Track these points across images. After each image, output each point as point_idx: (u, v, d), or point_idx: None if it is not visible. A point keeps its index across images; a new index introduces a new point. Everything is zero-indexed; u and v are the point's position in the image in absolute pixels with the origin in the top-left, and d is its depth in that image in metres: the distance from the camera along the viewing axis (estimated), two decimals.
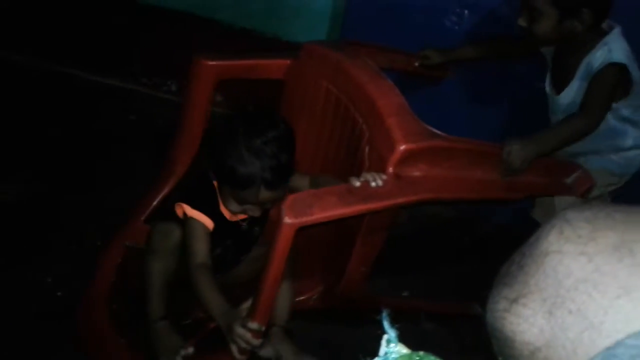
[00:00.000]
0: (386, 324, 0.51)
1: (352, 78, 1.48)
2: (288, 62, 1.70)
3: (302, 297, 1.57)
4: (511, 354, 0.44)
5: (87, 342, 1.50)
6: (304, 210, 1.17)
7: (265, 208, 1.42)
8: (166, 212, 1.59)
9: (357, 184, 1.25)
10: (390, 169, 1.30)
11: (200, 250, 1.40)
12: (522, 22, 1.47)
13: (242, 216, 1.47)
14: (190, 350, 1.35)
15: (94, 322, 1.49)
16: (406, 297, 1.79)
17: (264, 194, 1.33)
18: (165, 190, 1.76)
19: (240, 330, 1.24)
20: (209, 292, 1.33)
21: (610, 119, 1.52)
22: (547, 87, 1.64)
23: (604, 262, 0.40)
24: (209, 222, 1.42)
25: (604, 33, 1.49)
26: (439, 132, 1.35)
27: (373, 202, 1.23)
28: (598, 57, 1.46)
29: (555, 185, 1.48)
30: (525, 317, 0.42)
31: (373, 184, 1.25)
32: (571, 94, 1.54)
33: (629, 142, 1.58)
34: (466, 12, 1.95)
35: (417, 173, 1.32)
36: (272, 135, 1.34)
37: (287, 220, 1.15)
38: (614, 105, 1.50)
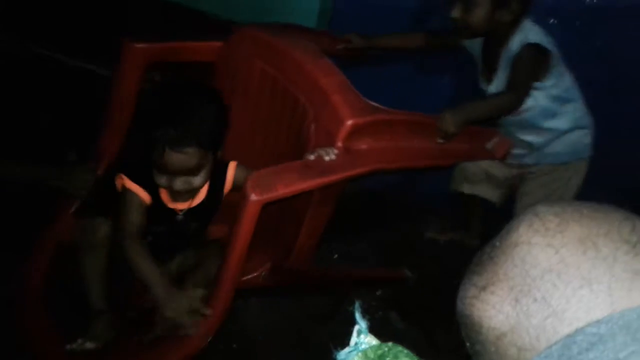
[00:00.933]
0: (358, 315, 0.54)
1: (291, 58, 1.52)
2: (219, 44, 1.70)
3: (251, 275, 1.60)
4: (478, 339, 0.46)
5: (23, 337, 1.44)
6: (267, 186, 1.21)
7: (184, 188, 1.36)
8: (93, 206, 1.56)
9: (312, 157, 1.30)
10: (340, 143, 1.36)
11: (134, 221, 1.39)
12: (455, 13, 1.57)
13: (181, 205, 1.46)
14: (78, 343, 1.35)
15: (29, 319, 1.43)
16: (346, 267, 1.87)
17: (169, 155, 1.28)
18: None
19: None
20: (143, 261, 1.33)
21: (543, 99, 1.64)
22: (480, 81, 1.75)
23: (569, 254, 0.42)
24: (145, 196, 1.41)
25: (513, 23, 1.60)
26: (380, 106, 1.43)
27: (329, 175, 1.29)
28: (516, 42, 1.59)
29: (479, 150, 1.62)
30: (492, 304, 0.44)
31: (327, 157, 1.31)
32: (499, 83, 1.65)
33: (566, 123, 1.71)
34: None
35: (364, 146, 1.39)
36: (187, 99, 1.34)
37: (253, 197, 1.18)
38: (542, 84, 1.61)
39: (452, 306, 0.51)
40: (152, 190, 1.42)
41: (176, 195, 1.42)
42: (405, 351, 0.54)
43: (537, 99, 1.62)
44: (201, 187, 1.41)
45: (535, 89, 1.60)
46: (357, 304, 0.55)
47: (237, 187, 1.46)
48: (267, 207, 1.33)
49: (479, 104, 1.59)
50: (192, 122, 1.29)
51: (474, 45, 1.73)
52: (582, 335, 0.40)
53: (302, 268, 1.56)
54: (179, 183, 1.34)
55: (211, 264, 1.47)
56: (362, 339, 0.55)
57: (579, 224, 0.44)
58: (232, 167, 1.49)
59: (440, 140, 1.51)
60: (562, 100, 1.68)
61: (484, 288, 0.46)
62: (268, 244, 1.67)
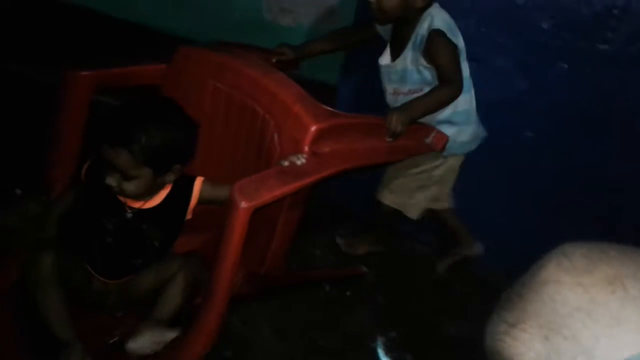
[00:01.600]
0: (381, 353, 0.61)
1: (246, 74, 1.59)
2: (163, 66, 1.73)
3: None
4: None
5: None
6: (253, 193, 1.27)
7: (114, 186, 1.38)
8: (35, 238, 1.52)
9: (286, 163, 1.38)
10: (306, 148, 1.45)
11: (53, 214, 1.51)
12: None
13: (130, 202, 1.46)
14: None
15: None
16: (313, 270, 1.96)
17: (106, 151, 1.35)
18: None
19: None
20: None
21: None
22: (384, 60, 1.85)
23: (598, 293, 0.44)
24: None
25: (422, 9, 1.73)
26: (336, 110, 1.54)
27: (304, 179, 1.37)
28: (424, 27, 1.72)
29: (421, 145, 1.77)
30: (523, 341, 0.46)
31: (299, 162, 1.39)
32: (405, 62, 1.78)
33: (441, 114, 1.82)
34: None
35: (327, 149, 1.49)
36: (138, 106, 1.39)
37: (244, 204, 1.24)
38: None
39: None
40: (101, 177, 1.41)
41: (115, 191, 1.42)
42: None
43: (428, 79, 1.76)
44: (133, 194, 1.42)
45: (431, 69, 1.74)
46: (379, 342, 0.60)
47: (203, 201, 1.51)
48: None
49: (422, 101, 1.71)
50: (135, 130, 1.34)
51: (386, 31, 1.86)
52: None
53: (276, 273, 1.62)
54: (110, 179, 1.38)
55: (176, 285, 1.48)
56: None
57: (607, 265, 0.46)
58: (198, 182, 1.51)
59: (389, 139, 1.64)
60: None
61: (514, 325, 0.47)
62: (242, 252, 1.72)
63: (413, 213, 1.98)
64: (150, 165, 1.38)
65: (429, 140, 1.80)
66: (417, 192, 1.96)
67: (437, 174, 1.94)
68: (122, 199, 1.46)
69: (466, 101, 1.82)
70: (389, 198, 1.98)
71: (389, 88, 1.89)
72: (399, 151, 1.70)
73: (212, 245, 1.60)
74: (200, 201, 1.52)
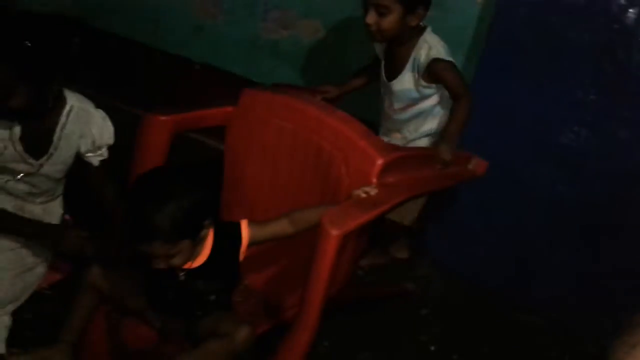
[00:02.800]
0: None
1: (310, 113, 1.76)
2: (230, 109, 1.89)
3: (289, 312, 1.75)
4: None
5: None
6: (341, 222, 1.43)
7: (165, 266, 1.41)
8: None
9: (362, 195, 1.55)
10: (374, 180, 1.62)
11: None
12: (370, 19, 1.86)
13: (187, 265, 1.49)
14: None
15: None
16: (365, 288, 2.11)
17: (140, 249, 1.38)
18: None
19: None
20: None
21: (433, 99, 2.01)
22: (382, 76, 2.08)
23: None
24: None
25: (422, 29, 1.96)
26: (395, 144, 1.71)
27: (380, 207, 1.53)
28: (422, 54, 1.93)
29: (466, 171, 1.94)
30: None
31: (372, 192, 1.56)
32: (403, 82, 2.00)
33: (431, 126, 2.06)
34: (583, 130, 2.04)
35: (391, 179, 1.65)
36: (144, 195, 1.38)
37: (334, 232, 1.40)
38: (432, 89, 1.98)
39: None
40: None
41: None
42: None
43: (427, 99, 2.00)
44: (183, 264, 1.45)
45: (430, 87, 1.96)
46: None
47: (254, 242, 1.54)
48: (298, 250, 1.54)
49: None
50: (154, 221, 1.33)
51: (379, 49, 2.07)
52: None
53: (344, 294, 1.77)
54: (157, 263, 1.41)
55: (221, 346, 1.42)
56: None
57: None
58: (244, 225, 1.53)
59: (441, 167, 1.82)
60: (432, 105, 2.03)
61: (634, 346, 0.51)
62: (297, 282, 1.87)
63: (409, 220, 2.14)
64: (185, 238, 1.40)
65: (471, 166, 1.97)
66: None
67: None
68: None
69: (447, 118, 2.02)
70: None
71: (386, 101, 2.11)
72: (449, 178, 1.87)
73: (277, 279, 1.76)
74: (252, 243, 1.54)
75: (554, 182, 2.10)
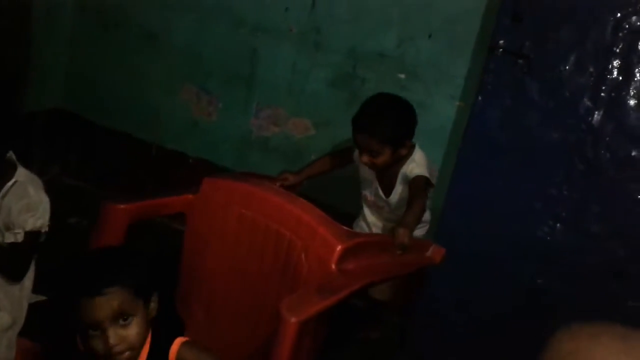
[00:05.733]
0: None
1: (270, 201, 1.78)
2: (190, 197, 1.90)
3: None
4: None
5: None
6: (299, 309, 1.42)
7: (118, 341, 1.24)
8: None
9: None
10: (333, 266, 1.63)
11: None
12: (365, 160, 2.05)
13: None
14: None
15: None
16: None
17: (85, 304, 1.22)
18: None
19: None
20: None
21: None
22: (379, 193, 2.21)
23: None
24: None
25: (411, 147, 2.11)
26: (354, 231, 1.74)
27: (339, 293, 1.53)
28: (410, 169, 2.09)
29: (424, 258, 1.97)
30: None
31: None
32: (397, 195, 2.16)
33: (427, 217, 2.22)
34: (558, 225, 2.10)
35: (350, 266, 1.67)
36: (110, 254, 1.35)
37: (293, 319, 1.38)
38: None
39: None
40: None
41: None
42: None
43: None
44: (138, 342, 1.28)
45: None
46: None
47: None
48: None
49: (412, 215, 1.95)
50: (110, 268, 1.26)
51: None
52: None
53: None
54: (112, 335, 1.22)
55: None
56: None
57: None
58: (176, 344, 1.34)
59: (399, 252, 1.84)
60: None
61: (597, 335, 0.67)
62: None
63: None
64: (141, 295, 1.27)
65: (429, 253, 2.00)
66: None
67: None
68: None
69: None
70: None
71: (386, 208, 2.21)
72: (407, 265, 1.89)
73: None
74: None
75: (533, 275, 2.14)
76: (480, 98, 2.13)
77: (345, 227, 1.72)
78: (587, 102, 2.01)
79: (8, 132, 1.70)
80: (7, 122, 1.71)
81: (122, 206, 1.78)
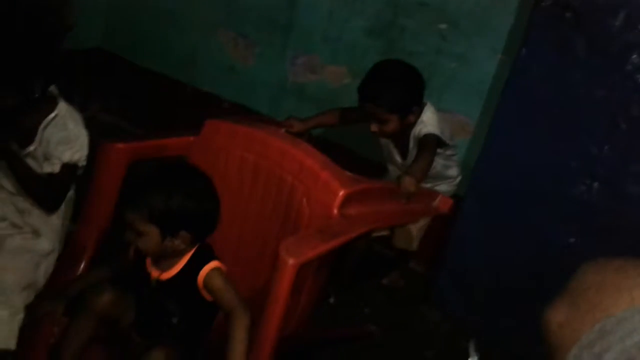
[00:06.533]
0: (472, 350, 0.77)
1: (273, 144, 1.73)
2: (191, 139, 1.85)
3: None
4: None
5: None
6: (298, 251, 1.38)
7: (132, 241, 1.49)
8: None
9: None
10: (335, 211, 1.58)
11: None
12: (373, 128, 2.02)
13: (154, 272, 1.52)
14: None
15: None
16: (326, 329, 2.03)
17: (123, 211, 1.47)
18: (78, 280, 1.73)
19: None
20: None
21: (441, 160, 2.14)
22: (394, 156, 2.19)
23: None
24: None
25: (420, 111, 2.07)
26: (358, 176, 1.68)
27: (340, 238, 1.49)
28: (419, 130, 2.05)
29: (430, 208, 1.92)
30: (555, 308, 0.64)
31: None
32: (412, 157, 2.09)
33: (453, 172, 2.22)
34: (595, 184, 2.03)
35: (352, 211, 1.62)
36: (157, 172, 1.51)
37: (291, 261, 1.34)
38: (441, 150, 2.10)
39: None
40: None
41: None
42: None
43: (439, 160, 2.11)
44: (146, 250, 1.49)
45: (439, 154, 2.09)
46: (472, 341, 0.75)
47: (206, 288, 1.49)
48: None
49: (419, 165, 1.93)
50: (144, 193, 1.44)
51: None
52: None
53: (301, 334, 1.70)
54: (128, 234, 1.47)
55: None
56: None
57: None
58: (208, 267, 1.50)
59: (404, 201, 1.79)
60: (452, 159, 2.21)
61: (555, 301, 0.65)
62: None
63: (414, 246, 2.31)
64: (156, 224, 1.43)
65: (435, 203, 1.95)
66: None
67: None
68: (148, 268, 1.54)
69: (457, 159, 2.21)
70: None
71: (394, 168, 2.22)
72: (412, 213, 1.85)
73: None
74: (204, 287, 1.49)
75: (565, 235, 2.07)
76: (524, 52, 2.03)
77: (348, 173, 1.67)
78: (635, 60, 1.90)
79: (51, 67, 1.78)
80: (51, 58, 1.80)
81: (120, 145, 1.73)
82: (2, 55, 1.65)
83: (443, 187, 2.23)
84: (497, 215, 2.16)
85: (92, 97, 3.21)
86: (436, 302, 2.36)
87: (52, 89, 1.80)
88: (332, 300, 2.24)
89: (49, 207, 1.80)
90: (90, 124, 1.86)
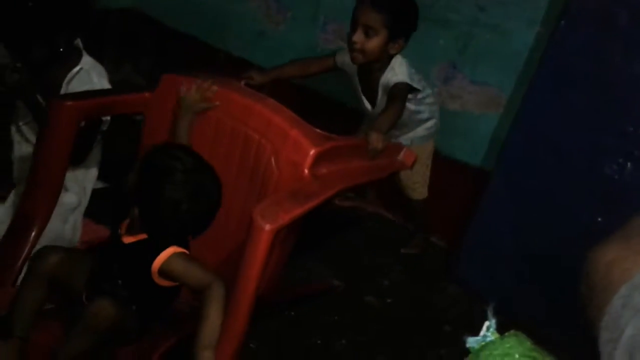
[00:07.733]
0: (490, 315, 0.76)
1: (237, 100, 1.64)
2: (148, 95, 1.74)
3: None
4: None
5: None
6: (274, 216, 1.33)
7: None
8: None
9: None
10: (306, 171, 1.53)
11: None
12: (357, 37, 1.91)
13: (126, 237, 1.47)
14: None
15: None
16: (291, 287, 2.01)
17: None
18: (26, 249, 1.63)
19: None
20: None
21: (412, 105, 2.11)
22: (363, 103, 2.16)
23: None
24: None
25: (390, 56, 2.02)
26: (327, 134, 1.63)
27: (314, 199, 1.44)
28: (388, 77, 2.02)
29: (395, 163, 1.89)
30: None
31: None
32: (380, 105, 2.05)
33: (424, 115, 2.21)
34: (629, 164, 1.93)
35: (324, 170, 1.57)
36: None
37: (268, 227, 1.29)
38: (411, 96, 2.07)
39: None
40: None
41: None
42: (528, 342, 0.73)
43: (409, 107, 2.09)
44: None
45: (410, 99, 2.06)
46: (490, 306, 0.74)
47: (165, 276, 1.43)
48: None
49: (386, 119, 1.90)
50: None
51: (352, 70, 2.10)
52: None
53: (272, 296, 1.67)
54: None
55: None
56: (490, 332, 0.75)
57: None
58: (167, 251, 1.42)
59: (372, 157, 1.76)
60: (423, 103, 2.17)
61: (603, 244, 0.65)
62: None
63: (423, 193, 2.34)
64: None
65: (400, 157, 1.93)
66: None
67: (425, 157, 2.27)
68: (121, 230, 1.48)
69: (432, 100, 2.21)
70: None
71: (367, 117, 2.20)
72: (380, 170, 1.81)
73: None
74: (162, 272, 1.42)
75: (593, 213, 2.00)
76: (562, 24, 1.94)
77: (317, 130, 1.61)
78: None
79: (77, 21, 1.79)
80: (77, 11, 1.79)
81: (69, 103, 1.60)
82: (29, 7, 1.65)
83: (420, 131, 2.22)
84: (524, 191, 2.11)
85: (124, 58, 3.22)
86: (456, 277, 2.32)
87: (77, 42, 1.82)
88: (336, 283, 2.17)
89: (73, 159, 1.74)
90: (122, 86, 1.94)
